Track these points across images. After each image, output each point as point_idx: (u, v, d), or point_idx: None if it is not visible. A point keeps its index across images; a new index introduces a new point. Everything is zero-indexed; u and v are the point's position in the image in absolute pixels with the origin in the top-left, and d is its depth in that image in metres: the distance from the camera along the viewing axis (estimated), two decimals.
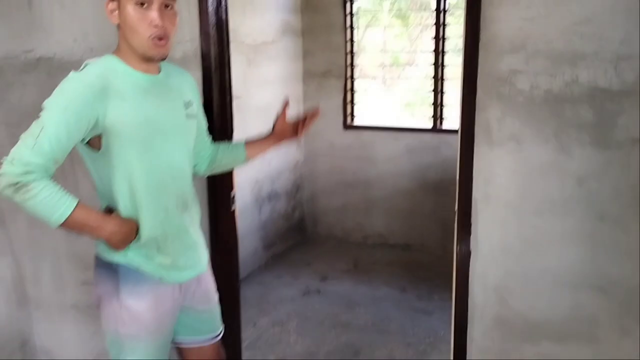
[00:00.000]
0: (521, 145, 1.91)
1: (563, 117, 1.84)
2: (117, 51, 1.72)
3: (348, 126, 4.85)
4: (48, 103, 1.56)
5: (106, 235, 1.65)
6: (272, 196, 4.59)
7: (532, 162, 1.91)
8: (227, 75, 2.36)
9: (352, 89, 4.82)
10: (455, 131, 4.64)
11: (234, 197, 2.49)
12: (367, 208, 4.89)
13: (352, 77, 4.79)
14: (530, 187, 1.92)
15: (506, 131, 1.92)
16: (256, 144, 2.05)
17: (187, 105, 1.84)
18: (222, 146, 2.07)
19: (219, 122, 2.33)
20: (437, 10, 4.41)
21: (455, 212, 2.06)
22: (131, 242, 1.71)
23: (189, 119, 1.84)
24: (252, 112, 3.86)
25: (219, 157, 2.03)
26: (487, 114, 1.93)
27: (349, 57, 4.74)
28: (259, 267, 4.37)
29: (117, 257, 1.74)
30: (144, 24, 1.63)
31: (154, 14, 1.63)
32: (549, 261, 1.93)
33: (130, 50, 1.68)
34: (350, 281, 4.14)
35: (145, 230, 1.73)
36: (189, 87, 1.90)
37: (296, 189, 4.96)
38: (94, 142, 1.65)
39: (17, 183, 1.49)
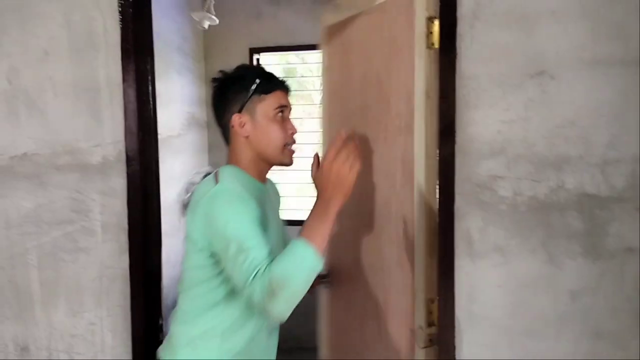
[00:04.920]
0: (506, 257, 1.72)
1: (550, 226, 1.69)
2: (234, 162, 1.67)
3: None
4: (224, 221, 1.44)
5: (336, 207, 1.43)
6: None
7: (520, 275, 1.72)
8: (156, 185, 2.00)
9: None
10: None
11: (161, 325, 2.08)
12: None
13: None
14: (520, 304, 1.73)
15: (489, 242, 1.73)
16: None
17: (278, 215, 1.82)
18: None
19: (144, 241, 1.95)
20: None
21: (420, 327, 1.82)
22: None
23: (282, 229, 1.80)
24: None
25: None
26: (467, 223, 1.74)
27: None
28: None
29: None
30: (282, 133, 1.62)
31: (291, 122, 1.65)
32: None
33: (256, 160, 1.65)
34: None
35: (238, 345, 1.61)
36: (277, 199, 1.86)
37: None
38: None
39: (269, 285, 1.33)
